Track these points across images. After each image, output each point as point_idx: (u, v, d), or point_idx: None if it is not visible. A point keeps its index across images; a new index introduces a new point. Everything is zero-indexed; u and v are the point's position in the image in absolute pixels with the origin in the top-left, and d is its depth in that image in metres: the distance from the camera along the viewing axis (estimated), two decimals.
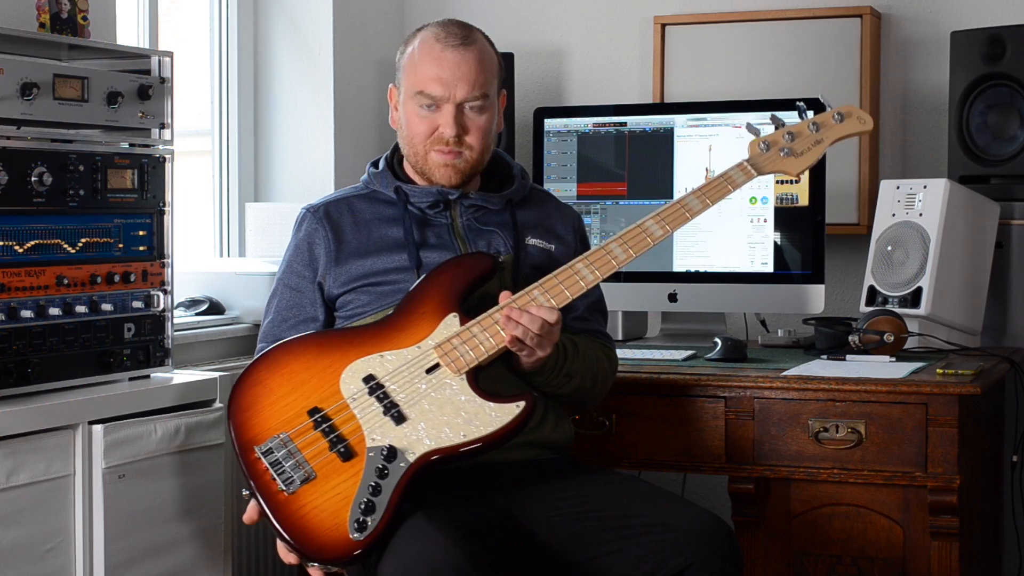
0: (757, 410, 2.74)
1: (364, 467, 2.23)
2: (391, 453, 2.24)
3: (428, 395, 2.30)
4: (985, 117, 3.27)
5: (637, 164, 3.34)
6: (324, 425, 2.28)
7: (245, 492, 2.27)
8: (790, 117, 3.19)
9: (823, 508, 2.73)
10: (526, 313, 2.34)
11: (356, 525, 2.18)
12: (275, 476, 2.24)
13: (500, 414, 2.29)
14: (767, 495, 2.76)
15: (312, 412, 2.30)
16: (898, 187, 3.16)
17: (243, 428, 2.30)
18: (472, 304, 2.42)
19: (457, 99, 2.47)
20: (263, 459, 2.26)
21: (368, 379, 2.33)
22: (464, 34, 2.50)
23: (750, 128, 2.52)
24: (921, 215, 3.10)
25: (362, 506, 2.20)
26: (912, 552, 2.68)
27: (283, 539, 2.21)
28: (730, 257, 3.25)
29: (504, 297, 2.39)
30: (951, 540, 2.64)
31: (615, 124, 3.37)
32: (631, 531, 2.32)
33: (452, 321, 2.37)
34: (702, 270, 3.27)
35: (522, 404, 2.30)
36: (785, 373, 2.77)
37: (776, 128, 2.52)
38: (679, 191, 3.29)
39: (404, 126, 2.53)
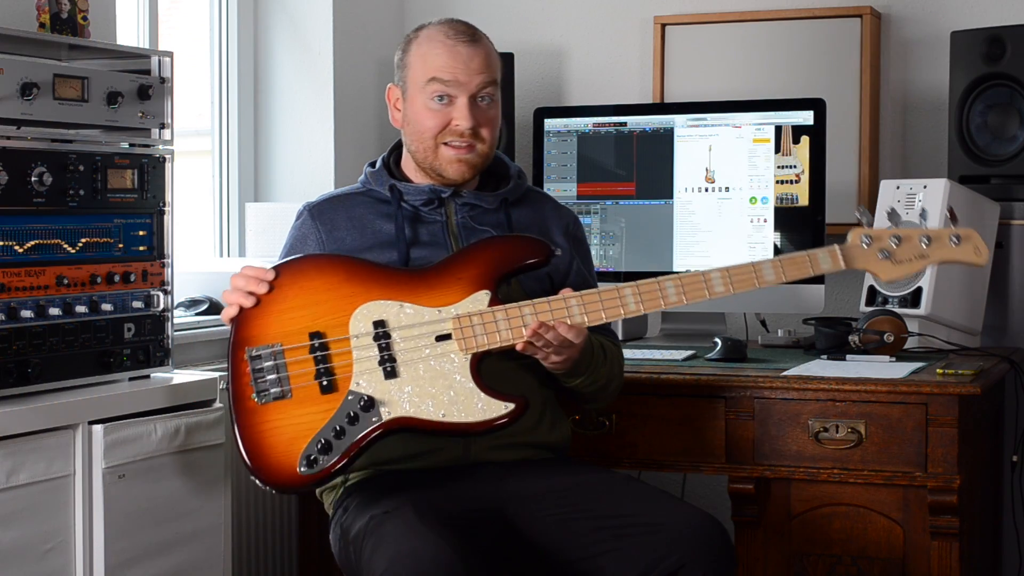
0: (757, 410, 2.74)
1: (339, 406, 2.26)
2: (369, 403, 2.25)
3: (427, 361, 2.30)
4: (985, 117, 3.27)
5: (638, 164, 3.34)
6: (319, 352, 2.30)
7: (222, 387, 2.31)
8: (789, 117, 3.22)
9: (823, 508, 2.73)
10: (552, 330, 2.31)
11: (306, 460, 2.21)
12: (253, 381, 2.27)
13: (486, 408, 2.27)
14: (767, 495, 2.76)
15: (313, 335, 2.31)
16: (898, 187, 3.16)
17: (245, 325, 2.33)
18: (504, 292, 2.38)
19: (472, 90, 2.48)
20: (249, 362, 2.29)
21: (379, 324, 2.32)
22: (472, 31, 2.53)
23: (862, 212, 2.35)
24: (921, 215, 3.10)
25: (320, 444, 2.22)
26: (912, 552, 2.68)
27: (236, 445, 2.25)
28: (730, 257, 3.24)
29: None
30: (951, 540, 2.64)
31: (615, 124, 3.37)
32: (625, 531, 2.32)
33: (482, 298, 2.34)
34: (702, 270, 3.27)
35: (511, 406, 2.28)
36: (785, 373, 2.77)
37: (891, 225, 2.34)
38: (679, 191, 3.30)
39: (412, 121, 2.52)
